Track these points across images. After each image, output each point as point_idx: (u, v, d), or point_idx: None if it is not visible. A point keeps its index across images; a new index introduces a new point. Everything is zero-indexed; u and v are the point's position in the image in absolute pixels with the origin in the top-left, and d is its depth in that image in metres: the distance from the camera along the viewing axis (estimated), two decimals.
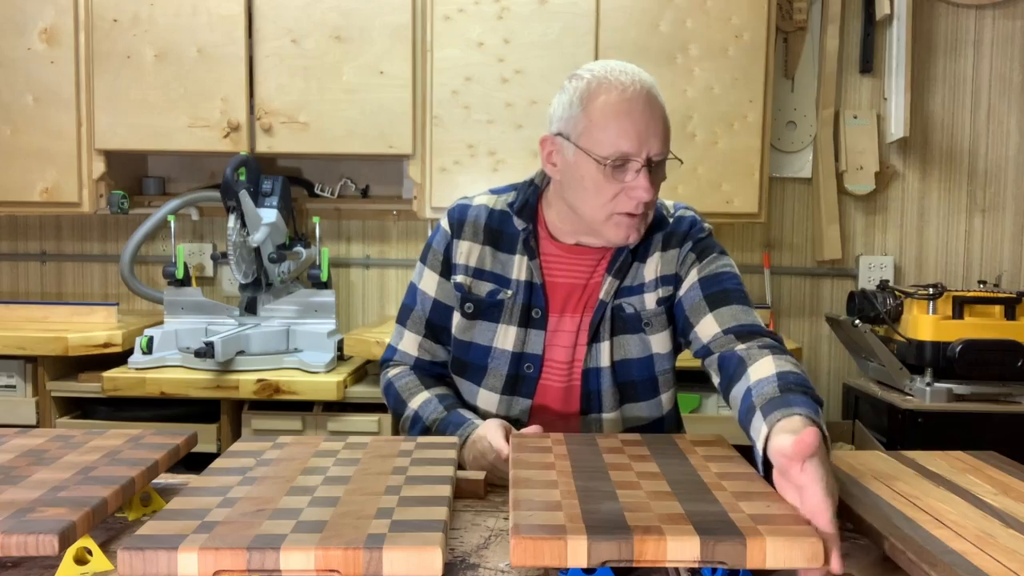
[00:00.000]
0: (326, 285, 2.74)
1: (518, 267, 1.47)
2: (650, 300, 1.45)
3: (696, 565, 0.84)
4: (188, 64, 2.72)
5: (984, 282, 2.79)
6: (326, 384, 2.43)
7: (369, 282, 3.14)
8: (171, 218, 2.75)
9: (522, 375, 1.47)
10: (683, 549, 0.83)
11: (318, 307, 2.68)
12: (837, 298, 3.08)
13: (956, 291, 2.55)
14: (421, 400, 1.48)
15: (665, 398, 1.52)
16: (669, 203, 1.51)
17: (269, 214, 2.62)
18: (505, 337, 1.47)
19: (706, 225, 1.51)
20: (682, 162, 1.40)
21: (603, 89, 1.31)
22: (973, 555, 0.85)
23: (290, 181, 2.89)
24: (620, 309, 1.46)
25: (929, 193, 3.07)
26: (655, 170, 1.33)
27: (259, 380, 2.42)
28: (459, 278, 1.50)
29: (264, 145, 2.74)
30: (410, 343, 1.56)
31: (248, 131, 2.73)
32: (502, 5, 2.69)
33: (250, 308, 2.69)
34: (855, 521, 1.01)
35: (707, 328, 1.40)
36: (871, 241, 3.08)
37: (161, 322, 2.70)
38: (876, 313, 2.60)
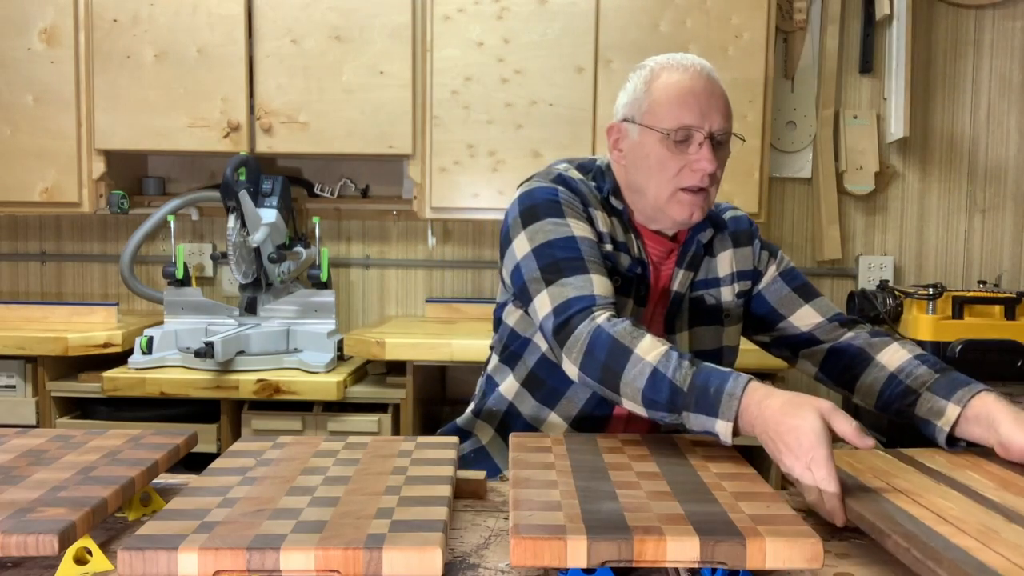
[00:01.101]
0: (326, 285, 2.74)
1: (634, 244, 1.44)
2: (728, 293, 1.50)
3: (696, 565, 0.84)
4: (188, 64, 2.72)
5: (984, 282, 2.79)
6: (326, 384, 2.43)
7: (369, 282, 3.14)
8: (171, 218, 2.75)
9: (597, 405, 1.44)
10: (683, 549, 0.83)
11: (318, 307, 2.68)
12: (837, 298, 3.08)
13: (956, 291, 2.55)
14: (652, 352, 1.19)
15: None
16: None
17: (269, 214, 2.62)
18: (624, 312, 1.41)
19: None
20: (744, 140, 1.44)
21: (665, 71, 1.37)
22: (977, 551, 0.84)
23: (290, 181, 2.89)
24: (700, 301, 1.48)
25: (929, 193, 3.07)
26: (718, 147, 1.36)
27: (259, 380, 2.42)
28: (608, 247, 1.40)
29: (264, 145, 2.74)
30: (605, 287, 1.30)
31: (248, 131, 2.73)
32: (502, 5, 2.69)
33: (250, 308, 2.69)
34: (856, 518, 1.00)
35: (807, 318, 1.49)
36: (871, 241, 3.08)
37: (161, 322, 2.70)
38: (876, 313, 2.60)
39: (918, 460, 1.21)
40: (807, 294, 1.52)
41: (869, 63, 3.01)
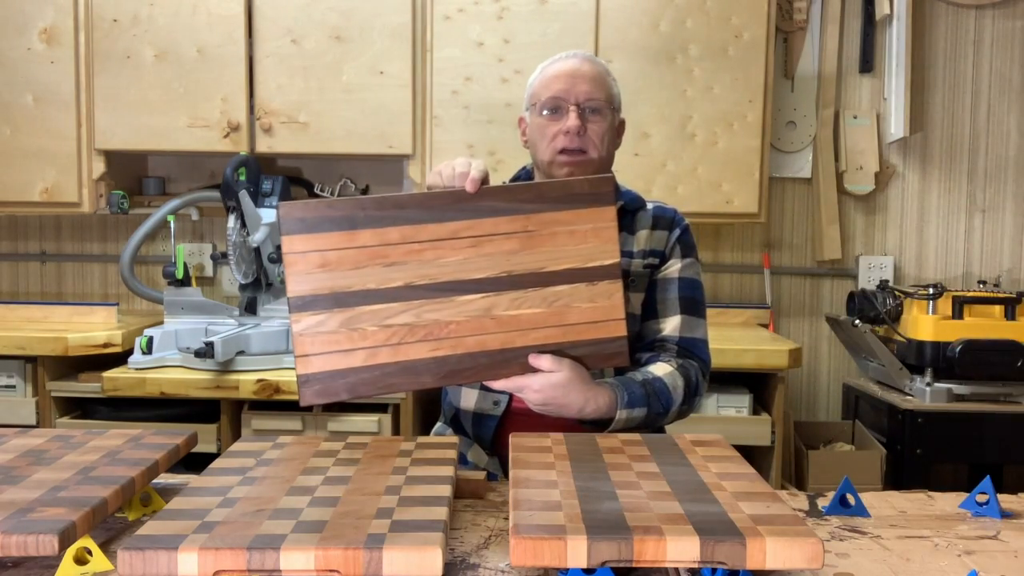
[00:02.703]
0: None
1: None
2: (637, 265, 1.58)
3: (696, 565, 0.84)
4: (188, 64, 2.72)
5: (984, 282, 2.79)
6: None
7: None
8: (171, 218, 2.75)
9: None
10: (683, 549, 0.83)
11: None
12: (837, 298, 3.08)
13: (956, 291, 2.55)
14: None
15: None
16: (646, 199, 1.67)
17: (269, 214, 2.62)
18: None
19: (686, 221, 1.66)
20: (623, 121, 1.59)
21: (549, 63, 1.57)
22: None
23: (290, 181, 2.88)
24: None
25: (929, 193, 3.07)
26: (592, 114, 1.51)
27: (259, 380, 2.42)
28: None
29: (264, 145, 2.74)
30: None
31: (248, 131, 2.73)
32: (502, 5, 2.69)
33: (250, 308, 2.69)
34: None
35: (669, 327, 1.57)
36: (871, 241, 3.08)
37: (161, 322, 2.70)
38: (876, 313, 2.60)
39: None
40: (687, 307, 1.58)
41: (869, 63, 3.01)
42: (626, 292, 1.55)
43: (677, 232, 1.61)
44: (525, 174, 1.67)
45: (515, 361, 1.26)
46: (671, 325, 1.57)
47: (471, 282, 1.24)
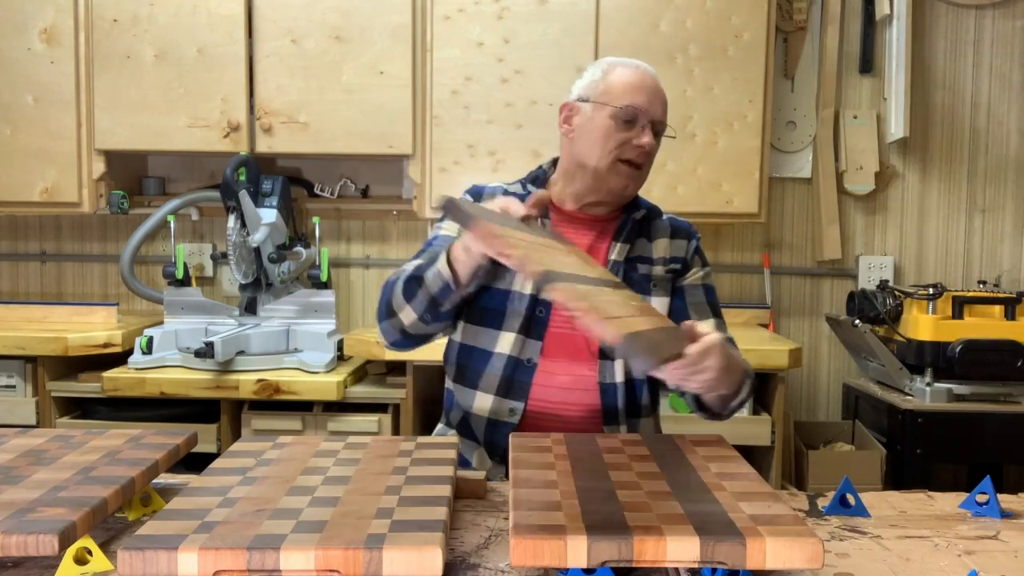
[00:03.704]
0: (326, 285, 2.74)
1: (532, 226, 1.52)
2: (659, 270, 1.60)
3: (696, 565, 0.84)
4: (188, 64, 2.72)
5: (984, 282, 2.79)
6: (326, 384, 2.43)
7: (369, 282, 3.14)
8: (171, 218, 2.75)
9: (536, 317, 1.53)
10: (683, 549, 0.83)
11: (318, 307, 2.68)
12: (837, 298, 3.08)
13: (956, 291, 2.55)
14: (411, 264, 1.47)
15: None
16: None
17: (269, 214, 2.62)
18: (524, 285, 1.54)
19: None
20: (674, 136, 1.64)
21: (620, 67, 1.55)
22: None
23: (290, 181, 2.89)
24: (632, 270, 1.58)
25: (929, 193, 3.07)
26: (655, 136, 1.53)
27: (259, 380, 2.42)
28: None
29: (264, 145, 2.74)
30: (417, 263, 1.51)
31: (248, 131, 2.73)
32: (502, 5, 2.69)
33: (250, 308, 2.69)
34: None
35: (708, 329, 1.48)
36: (871, 241, 3.08)
37: (161, 322, 2.70)
38: (876, 313, 2.60)
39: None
40: (714, 311, 1.63)
41: (869, 63, 3.01)
42: (645, 297, 1.58)
43: (695, 243, 1.65)
44: (542, 173, 1.64)
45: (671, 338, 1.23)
46: (709, 327, 1.57)
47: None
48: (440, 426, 1.70)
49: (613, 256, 1.58)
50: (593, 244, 1.58)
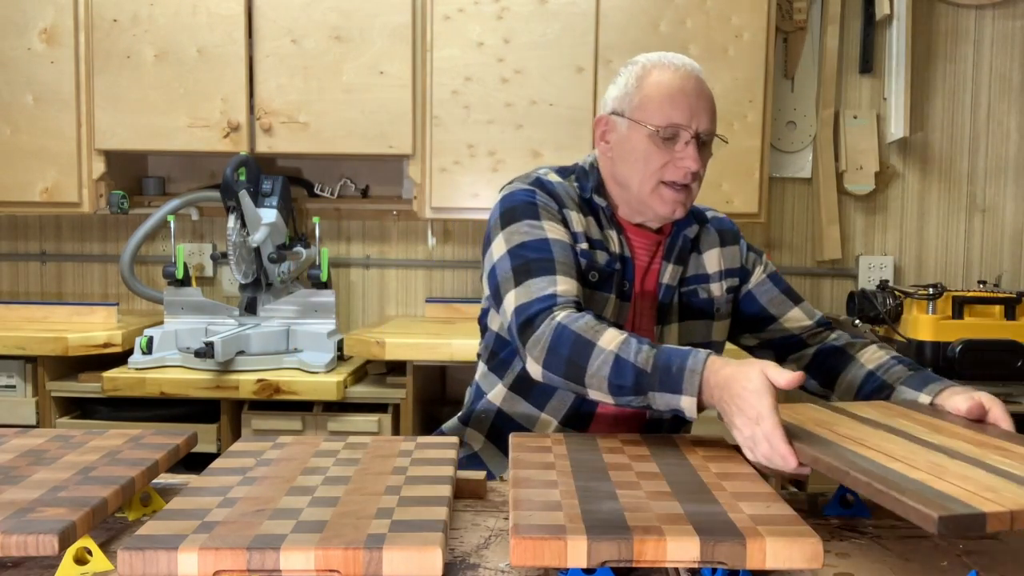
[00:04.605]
0: (326, 285, 2.74)
1: (612, 240, 1.46)
2: (717, 289, 1.53)
3: (696, 565, 0.84)
4: (188, 64, 2.72)
5: (984, 282, 2.79)
6: (326, 384, 2.43)
7: (369, 282, 3.14)
8: (171, 218, 2.75)
9: None
10: (683, 549, 0.83)
11: (318, 307, 2.68)
12: (837, 298, 3.08)
13: (956, 291, 2.55)
14: (614, 340, 1.22)
15: None
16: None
17: (269, 214, 2.62)
18: (607, 308, 1.45)
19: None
20: (726, 141, 1.46)
21: (657, 69, 1.41)
22: (932, 482, 0.89)
23: (290, 181, 2.89)
24: (692, 295, 1.51)
25: (929, 193, 3.07)
26: (702, 147, 1.41)
27: (259, 380, 2.42)
28: (583, 245, 1.43)
29: (264, 145, 2.74)
30: (570, 288, 1.34)
31: (248, 131, 2.73)
32: (502, 5, 2.69)
33: (250, 308, 2.69)
34: (811, 461, 1.03)
35: (796, 320, 1.55)
36: (871, 241, 3.08)
37: (161, 322, 2.70)
38: (876, 313, 2.60)
39: (852, 411, 1.24)
40: (794, 297, 1.58)
41: (869, 63, 3.01)
42: (708, 322, 1.52)
43: (743, 242, 1.58)
44: (582, 172, 1.50)
45: None
46: (797, 316, 1.55)
47: None
48: (455, 422, 1.59)
49: (665, 280, 1.48)
50: (645, 262, 1.48)
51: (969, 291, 2.58)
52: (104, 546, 0.98)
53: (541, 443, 1.21)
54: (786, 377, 1.10)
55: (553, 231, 1.39)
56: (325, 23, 2.70)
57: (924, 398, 1.32)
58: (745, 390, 1.10)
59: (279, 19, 2.71)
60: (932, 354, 2.47)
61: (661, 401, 1.18)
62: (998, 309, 2.51)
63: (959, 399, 1.24)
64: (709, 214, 1.58)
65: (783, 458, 1.06)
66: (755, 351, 1.61)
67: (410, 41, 2.70)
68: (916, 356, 2.51)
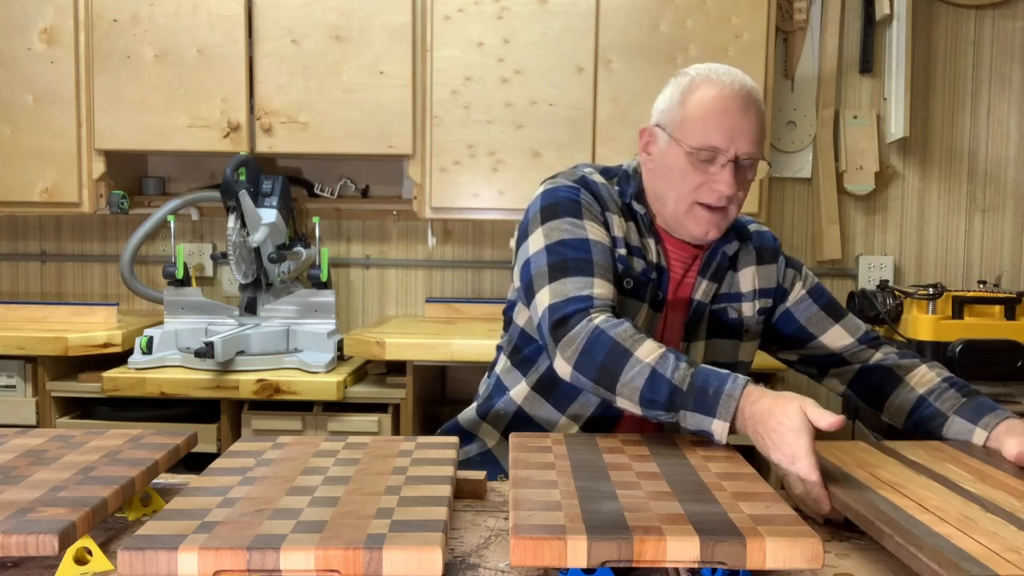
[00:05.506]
0: (326, 285, 2.74)
1: (650, 249, 1.44)
2: (748, 309, 1.51)
3: (696, 565, 0.84)
4: (188, 64, 2.72)
5: (984, 282, 2.79)
6: (326, 384, 2.43)
7: (369, 282, 3.14)
8: (171, 218, 2.75)
9: None
10: (683, 549, 0.83)
11: (318, 307, 2.68)
12: (837, 298, 3.06)
13: (956, 291, 2.55)
14: (652, 353, 1.21)
15: None
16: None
17: (269, 214, 2.62)
18: (639, 316, 1.42)
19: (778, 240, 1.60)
20: (770, 164, 1.42)
21: (703, 85, 1.37)
22: (956, 538, 0.87)
23: (290, 181, 2.89)
24: (723, 313, 1.49)
25: (929, 193, 3.07)
26: (742, 169, 1.37)
27: (259, 380, 2.42)
28: (621, 251, 1.41)
29: (264, 145, 2.74)
30: (606, 291, 1.32)
31: (248, 131, 2.73)
32: (502, 5, 2.69)
33: (250, 308, 2.69)
34: (842, 507, 1.03)
35: (837, 339, 1.52)
36: (871, 241, 3.08)
37: (161, 322, 2.70)
38: (876, 313, 2.60)
39: (900, 453, 1.23)
40: (836, 313, 1.54)
41: (869, 63, 3.01)
42: (736, 342, 1.50)
43: (782, 260, 1.54)
44: (625, 176, 1.48)
45: None
46: (838, 334, 1.52)
47: None
48: (472, 415, 1.57)
49: (698, 296, 1.46)
50: (680, 274, 1.46)
51: (969, 291, 2.58)
52: (104, 546, 0.98)
53: (541, 443, 1.21)
54: (827, 420, 1.08)
55: (594, 232, 1.37)
56: (325, 23, 2.70)
57: (980, 433, 1.30)
58: (783, 426, 1.09)
59: (279, 19, 2.71)
60: (932, 354, 2.47)
61: (692, 421, 1.18)
62: (998, 309, 2.51)
63: (1012, 443, 1.21)
64: (752, 228, 1.55)
65: (816, 502, 1.06)
66: (795, 365, 1.59)
67: (410, 41, 2.70)
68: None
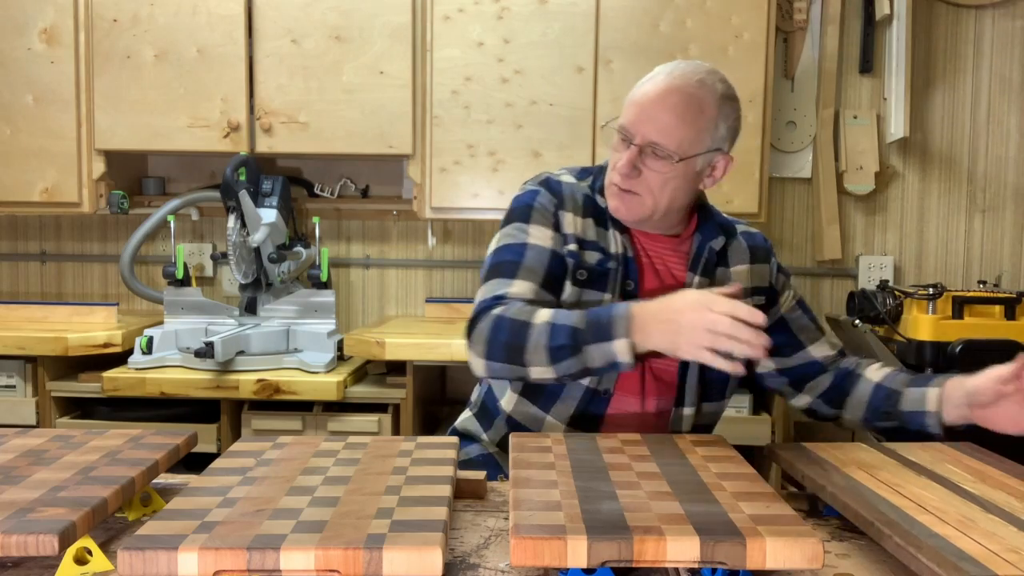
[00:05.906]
0: (326, 285, 2.74)
1: (613, 241, 1.46)
2: None
3: (696, 565, 0.84)
4: (188, 64, 2.72)
5: (984, 282, 2.79)
6: (326, 384, 2.43)
7: (369, 282, 3.14)
8: (171, 218, 2.75)
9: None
10: (683, 549, 0.83)
11: (318, 307, 2.68)
12: (837, 298, 3.08)
13: (956, 291, 2.54)
14: (548, 313, 1.28)
15: (727, 402, 1.57)
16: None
17: (269, 214, 2.62)
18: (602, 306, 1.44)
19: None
20: (677, 160, 1.38)
21: (657, 75, 1.41)
22: (956, 538, 0.88)
23: (290, 181, 2.89)
24: None
25: (929, 193, 3.07)
26: (645, 157, 1.37)
27: (259, 380, 2.42)
28: (571, 246, 1.43)
29: (264, 145, 2.74)
30: (523, 289, 1.37)
31: (248, 131, 2.73)
32: (502, 5, 2.69)
33: (250, 308, 2.69)
34: (841, 508, 1.03)
35: (823, 350, 1.55)
36: (871, 241, 3.08)
37: (161, 322, 2.70)
38: (876, 313, 2.60)
39: (900, 453, 1.24)
40: (819, 326, 1.58)
41: (869, 63, 3.01)
42: None
43: (774, 260, 1.57)
44: (602, 177, 1.51)
45: None
46: (823, 346, 1.55)
47: None
48: (468, 415, 1.61)
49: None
50: (660, 265, 1.47)
51: (969, 291, 2.58)
52: (104, 546, 0.98)
53: (541, 443, 1.21)
54: (724, 291, 1.14)
55: (536, 235, 1.42)
56: (325, 23, 2.70)
57: (932, 391, 1.35)
58: (683, 303, 1.14)
59: (279, 19, 2.71)
60: (932, 354, 2.47)
61: (597, 353, 1.21)
62: (998, 309, 2.51)
63: (982, 377, 1.32)
64: (739, 228, 1.56)
65: (749, 315, 1.09)
66: (766, 379, 1.57)
67: (410, 41, 2.70)
68: (916, 356, 2.51)
